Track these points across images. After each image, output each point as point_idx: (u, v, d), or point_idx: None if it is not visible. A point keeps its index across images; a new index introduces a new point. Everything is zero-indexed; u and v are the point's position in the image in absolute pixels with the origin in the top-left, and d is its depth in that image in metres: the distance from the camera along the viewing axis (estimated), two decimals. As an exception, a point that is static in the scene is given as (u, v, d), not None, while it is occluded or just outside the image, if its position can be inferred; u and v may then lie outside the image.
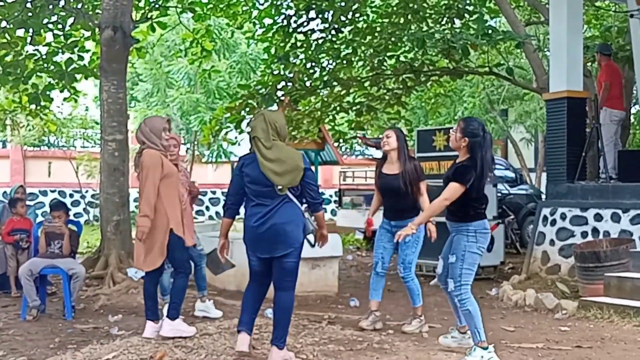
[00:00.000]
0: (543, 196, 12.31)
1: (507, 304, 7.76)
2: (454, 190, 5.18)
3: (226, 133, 13.77)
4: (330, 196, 22.55)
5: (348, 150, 26.02)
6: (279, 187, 5.02)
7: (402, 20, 12.07)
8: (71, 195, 22.02)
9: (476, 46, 10.75)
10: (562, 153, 9.28)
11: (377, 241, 6.64)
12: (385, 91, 12.68)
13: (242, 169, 5.14)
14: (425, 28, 11.91)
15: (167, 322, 5.90)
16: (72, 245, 7.41)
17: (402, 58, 12.54)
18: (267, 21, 13.04)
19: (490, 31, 10.35)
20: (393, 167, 6.47)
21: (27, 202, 9.46)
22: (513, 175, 14.57)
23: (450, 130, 5.56)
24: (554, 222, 9.10)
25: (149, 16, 11.36)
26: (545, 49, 12.41)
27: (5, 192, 14.11)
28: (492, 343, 5.34)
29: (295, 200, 5.11)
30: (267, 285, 5.31)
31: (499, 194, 11.30)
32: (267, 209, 5.04)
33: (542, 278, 8.76)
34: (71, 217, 8.24)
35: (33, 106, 13.12)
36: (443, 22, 12.20)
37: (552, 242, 9.04)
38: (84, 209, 21.93)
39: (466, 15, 11.98)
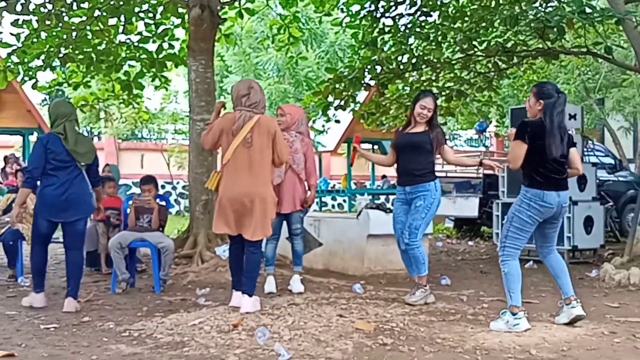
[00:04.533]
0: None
1: (609, 284, 7.35)
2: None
3: (314, 121, 13.64)
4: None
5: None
6: (82, 163, 6.02)
7: (493, 4, 11.66)
8: (163, 187, 22.34)
9: (573, 24, 10.24)
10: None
11: (394, 217, 6.44)
12: (476, 74, 12.30)
13: (47, 146, 5.94)
14: (518, 10, 11.46)
15: (247, 298, 5.70)
16: (160, 219, 7.43)
17: (493, 42, 12.12)
18: (355, 8, 12.83)
19: (587, 9, 9.87)
20: (418, 128, 6.35)
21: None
22: (612, 161, 13.91)
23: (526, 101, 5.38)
24: (659, 203, 8.58)
25: (236, 3, 11.35)
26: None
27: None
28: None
29: (86, 175, 6.11)
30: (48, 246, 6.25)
31: (598, 180, 10.76)
32: (63, 180, 5.95)
33: (645, 260, 8.28)
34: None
35: (125, 95, 13.37)
36: (536, 5, 11.71)
37: (657, 224, 8.53)
38: (175, 200, 22.34)
39: (561, -6, 11.46)
